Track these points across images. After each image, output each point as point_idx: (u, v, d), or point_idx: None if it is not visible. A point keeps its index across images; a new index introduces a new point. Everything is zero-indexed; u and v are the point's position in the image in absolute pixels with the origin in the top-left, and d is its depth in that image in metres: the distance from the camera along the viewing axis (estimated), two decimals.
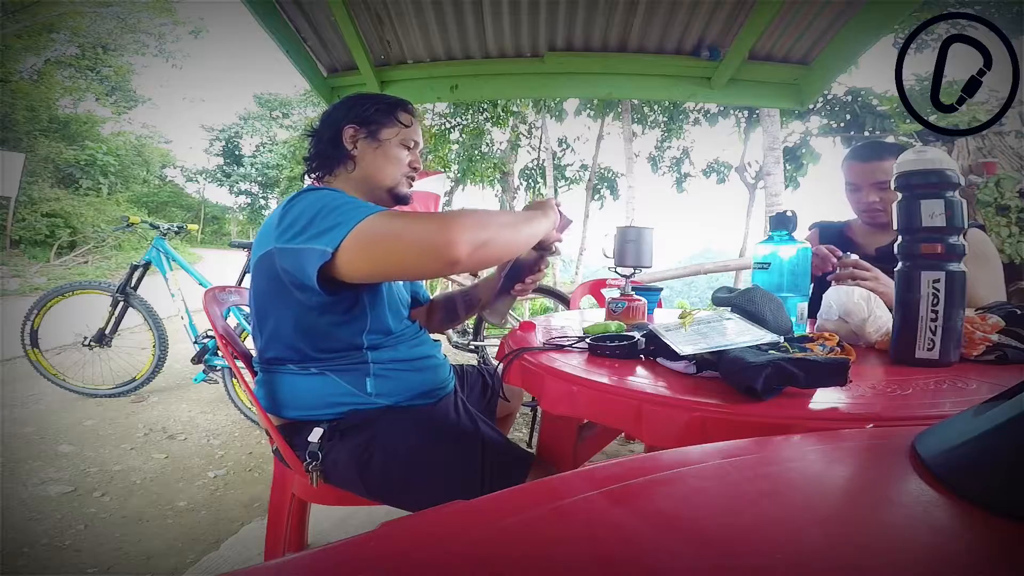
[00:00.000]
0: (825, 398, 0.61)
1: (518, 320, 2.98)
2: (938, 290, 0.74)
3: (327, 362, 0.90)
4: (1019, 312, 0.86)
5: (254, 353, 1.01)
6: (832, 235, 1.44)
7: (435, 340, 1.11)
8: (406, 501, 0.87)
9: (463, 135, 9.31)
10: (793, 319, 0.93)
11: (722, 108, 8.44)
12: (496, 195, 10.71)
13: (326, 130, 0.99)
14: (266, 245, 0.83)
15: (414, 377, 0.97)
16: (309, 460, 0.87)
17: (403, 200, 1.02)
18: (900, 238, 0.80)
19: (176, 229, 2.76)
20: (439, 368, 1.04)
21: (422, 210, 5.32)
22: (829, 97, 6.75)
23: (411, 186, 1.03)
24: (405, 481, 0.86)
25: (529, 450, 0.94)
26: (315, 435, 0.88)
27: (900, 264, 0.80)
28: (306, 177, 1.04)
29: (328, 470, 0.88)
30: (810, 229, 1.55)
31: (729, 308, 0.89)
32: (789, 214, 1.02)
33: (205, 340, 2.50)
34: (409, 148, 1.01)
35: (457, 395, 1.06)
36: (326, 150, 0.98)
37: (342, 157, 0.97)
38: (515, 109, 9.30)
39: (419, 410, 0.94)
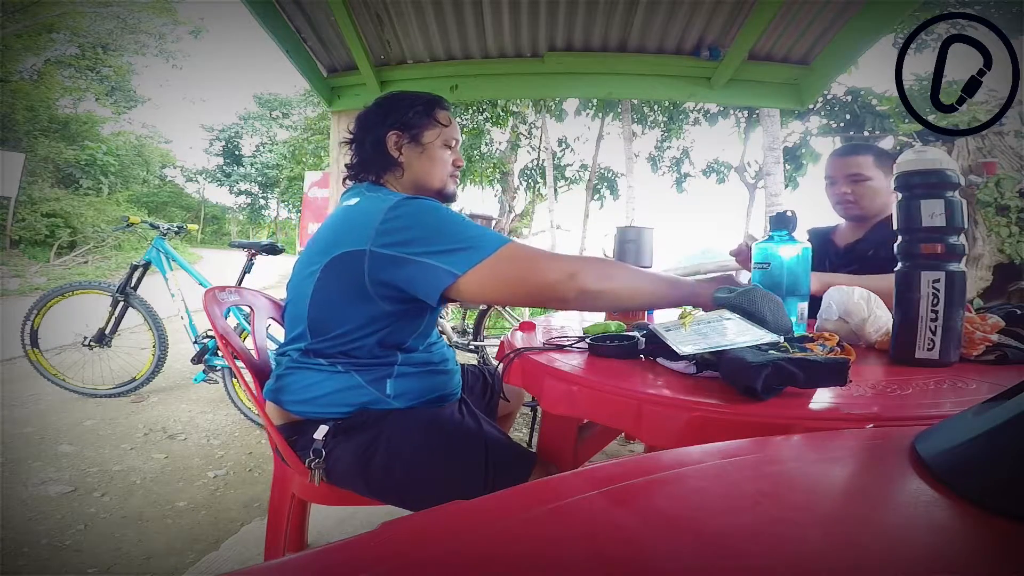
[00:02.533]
0: (825, 398, 0.61)
1: (518, 320, 2.98)
2: (938, 290, 0.74)
3: (356, 359, 0.90)
4: (1019, 312, 0.86)
5: (272, 346, 1.01)
6: (820, 238, 1.51)
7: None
8: (408, 500, 0.87)
9: (462, 135, 9.31)
10: (793, 319, 0.93)
11: (722, 108, 8.43)
12: (496, 195, 10.71)
13: (367, 136, 0.99)
14: (356, 244, 0.82)
15: (432, 380, 0.97)
16: (313, 457, 0.87)
17: (451, 198, 1.04)
18: (900, 238, 0.80)
19: (176, 229, 2.76)
20: (454, 374, 1.05)
21: None
22: (829, 97, 6.74)
23: (457, 183, 1.05)
24: (407, 480, 0.86)
25: (531, 450, 0.94)
26: (320, 432, 0.88)
27: (900, 264, 0.80)
28: (345, 182, 1.03)
29: (330, 468, 0.88)
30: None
31: (729, 308, 0.88)
32: (789, 214, 1.01)
33: (205, 340, 2.50)
34: (451, 147, 1.02)
35: (461, 395, 1.06)
36: (371, 157, 0.99)
37: (390, 164, 0.98)
38: (515, 109, 9.30)
39: (423, 410, 0.94)
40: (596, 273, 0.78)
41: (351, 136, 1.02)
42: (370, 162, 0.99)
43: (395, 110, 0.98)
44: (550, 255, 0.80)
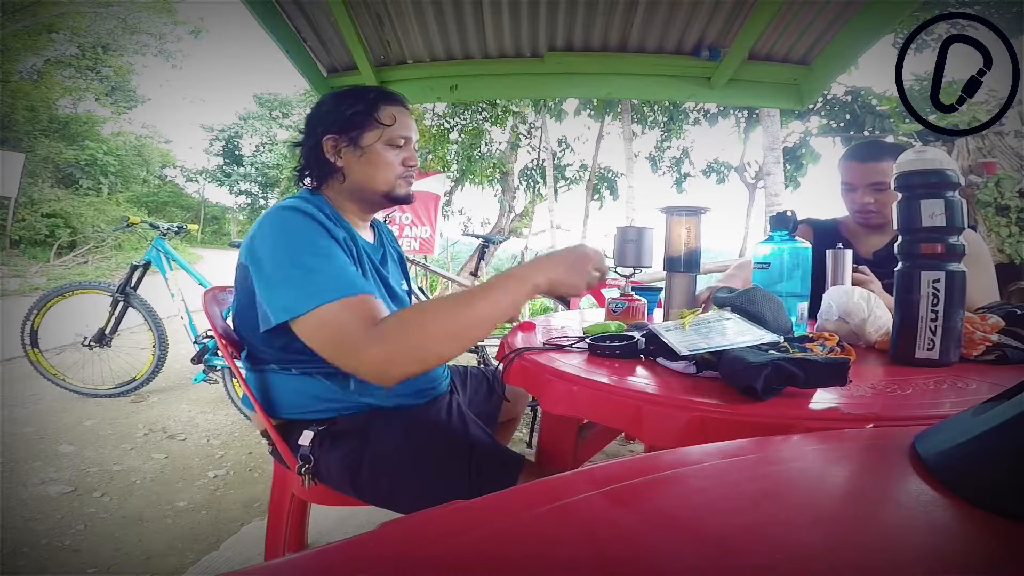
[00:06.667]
0: (825, 398, 0.61)
1: (518, 320, 2.98)
2: (938, 290, 0.74)
3: (305, 363, 0.87)
4: (1019, 312, 0.86)
5: None
6: (827, 233, 1.42)
7: None
8: (397, 504, 0.87)
9: (462, 135, 9.31)
10: (793, 319, 0.93)
11: (722, 108, 8.43)
12: (495, 195, 10.71)
13: (308, 141, 0.94)
14: (242, 256, 0.84)
15: None
16: (302, 463, 0.86)
17: (403, 200, 0.97)
18: (900, 238, 0.80)
19: (176, 229, 2.76)
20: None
21: (422, 210, 5.31)
22: (829, 97, 6.74)
23: (411, 184, 0.97)
24: (395, 484, 0.86)
25: (519, 453, 0.93)
26: (305, 438, 0.87)
27: (900, 264, 0.80)
28: (301, 183, 0.99)
29: (321, 475, 0.88)
30: (800, 224, 1.53)
31: (729, 308, 0.88)
32: (789, 214, 1.02)
33: (205, 340, 2.50)
34: (399, 146, 0.93)
35: (453, 396, 1.04)
36: (311, 163, 0.94)
37: (330, 170, 0.93)
38: (515, 109, 9.30)
39: (409, 412, 0.93)
40: (410, 354, 0.70)
41: (298, 140, 0.97)
42: (311, 167, 0.94)
43: (333, 111, 0.91)
44: (361, 341, 0.69)
